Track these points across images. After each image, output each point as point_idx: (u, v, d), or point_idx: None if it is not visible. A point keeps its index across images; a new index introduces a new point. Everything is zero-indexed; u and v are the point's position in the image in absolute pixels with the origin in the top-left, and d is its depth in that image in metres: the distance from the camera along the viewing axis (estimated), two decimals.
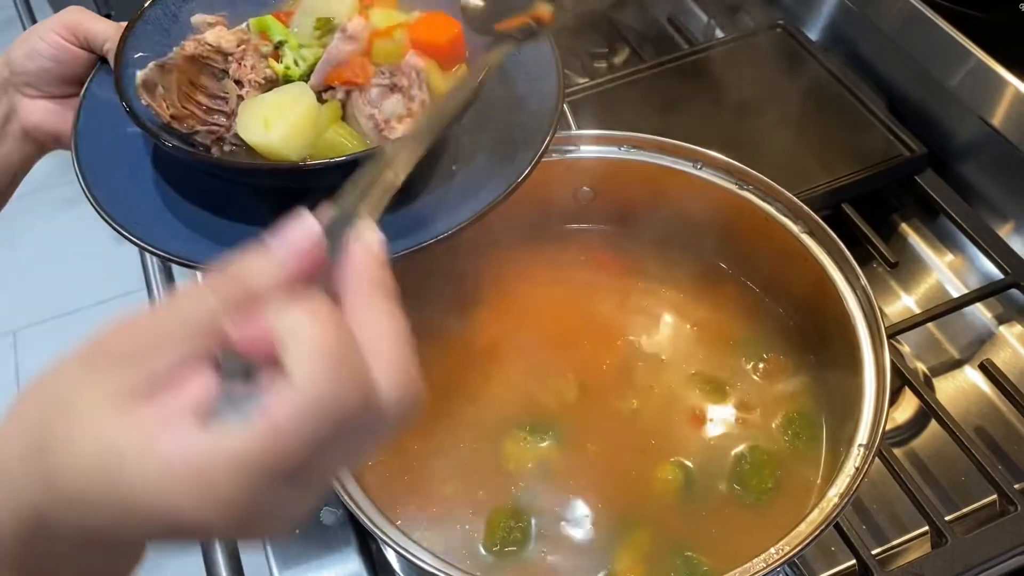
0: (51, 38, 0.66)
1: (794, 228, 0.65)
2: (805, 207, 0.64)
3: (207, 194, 0.64)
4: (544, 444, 0.63)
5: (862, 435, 0.54)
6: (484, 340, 0.71)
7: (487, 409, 0.66)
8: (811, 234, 0.64)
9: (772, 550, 0.50)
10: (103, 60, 0.68)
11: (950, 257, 0.93)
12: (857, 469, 0.52)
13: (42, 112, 0.68)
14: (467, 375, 0.67)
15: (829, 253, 0.64)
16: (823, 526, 0.50)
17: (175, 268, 1.12)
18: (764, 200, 0.67)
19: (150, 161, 0.66)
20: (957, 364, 0.87)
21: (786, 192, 0.65)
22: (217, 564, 0.83)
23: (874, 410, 0.55)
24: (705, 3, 1.18)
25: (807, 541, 0.49)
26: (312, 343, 0.31)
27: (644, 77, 1.03)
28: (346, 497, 0.52)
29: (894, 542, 0.74)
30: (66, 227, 2.51)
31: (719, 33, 1.15)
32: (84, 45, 0.67)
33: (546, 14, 0.55)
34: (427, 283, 0.71)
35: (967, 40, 0.92)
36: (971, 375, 0.86)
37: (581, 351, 0.69)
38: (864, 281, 0.61)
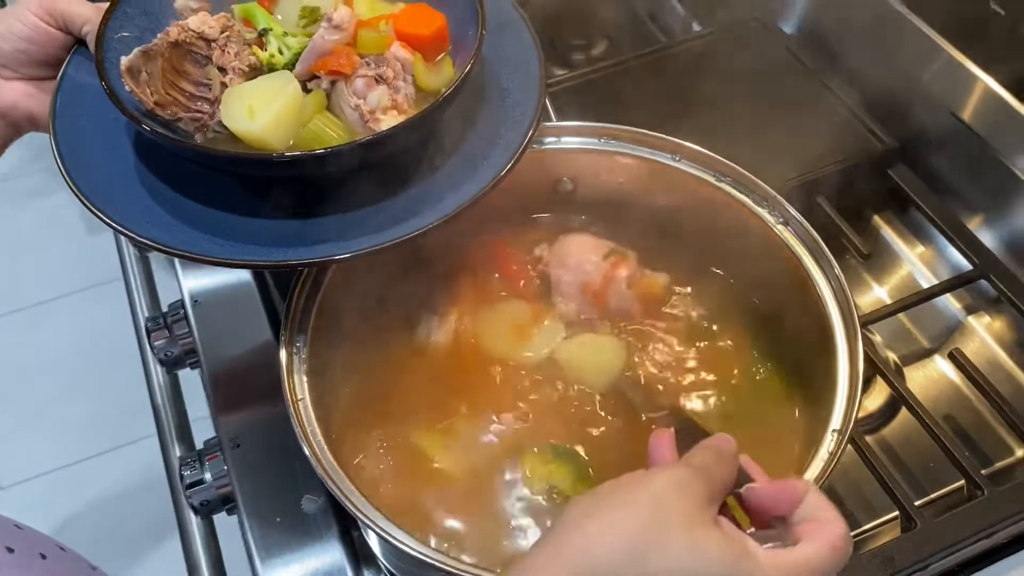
0: (29, 19, 0.65)
1: (770, 219, 0.66)
2: (781, 198, 0.65)
3: (187, 180, 0.63)
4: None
5: (836, 421, 0.56)
6: (463, 334, 0.71)
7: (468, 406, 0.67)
8: (786, 225, 0.66)
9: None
10: (80, 42, 0.67)
11: (921, 248, 0.95)
12: (831, 454, 0.54)
13: (17, 94, 0.67)
14: (449, 369, 0.68)
15: (804, 244, 0.65)
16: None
17: (152, 259, 1.12)
18: (741, 192, 0.68)
19: (130, 146, 0.65)
20: (927, 353, 0.89)
21: (762, 184, 0.66)
22: (196, 554, 0.84)
23: (847, 397, 0.56)
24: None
25: None
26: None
27: (621, 70, 1.04)
28: (329, 483, 0.52)
29: (865, 526, 0.76)
30: (33, 218, 2.48)
31: (696, 27, 1.16)
32: (62, 27, 0.66)
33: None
34: (407, 275, 0.71)
35: (938, 36, 0.94)
36: (940, 364, 0.88)
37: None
38: (838, 271, 0.62)
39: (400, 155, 0.63)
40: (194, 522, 0.85)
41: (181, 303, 0.88)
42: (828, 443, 0.54)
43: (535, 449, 0.62)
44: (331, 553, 0.72)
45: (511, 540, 0.59)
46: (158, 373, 0.97)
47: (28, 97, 0.67)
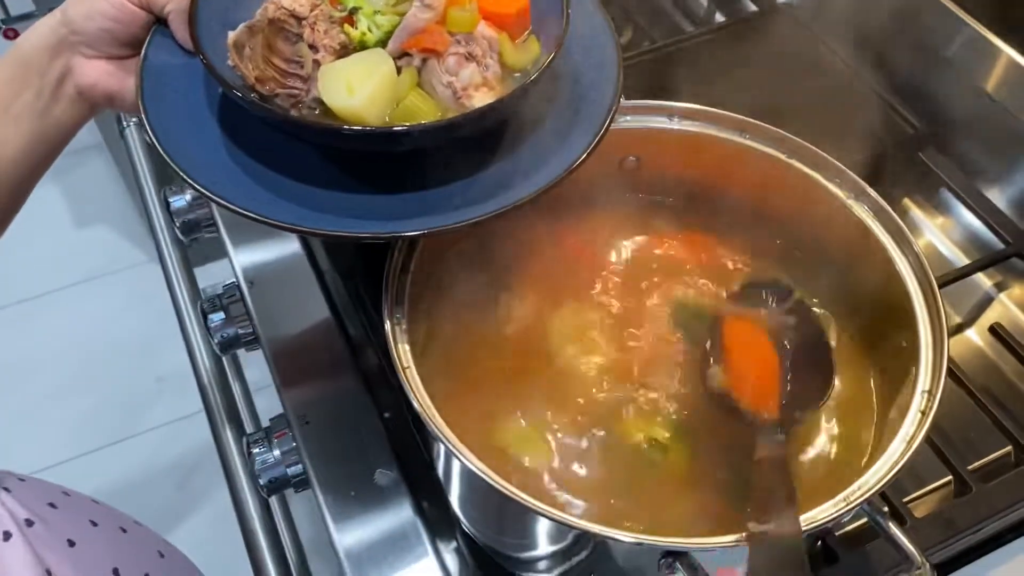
0: None
1: (840, 194, 0.69)
2: (852, 174, 0.68)
3: (278, 157, 0.64)
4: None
5: (923, 382, 0.58)
6: (531, 312, 0.73)
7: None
8: (857, 199, 0.68)
9: (854, 487, 0.53)
10: (160, 21, 0.68)
11: (951, 229, 0.98)
12: (922, 412, 0.56)
13: (98, 72, 0.68)
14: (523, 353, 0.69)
15: (876, 216, 0.67)
16: (903, 460, 0.53)
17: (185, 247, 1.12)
18: (810, 167, 0.70)
19: (217, 123, 0.66)
20: (959, 329, 0.93)
21: (833, 160, 0.69)
22: (256, 533, 0.84)
23: (933, 357, 0.59)
24: None
25: (889, 475, 0.53)
26: None
27: (649, 59, 1.06)
28: (451, 448, 0.53)
29: (914, 493, 0.79)
30: (24, 213, 2.44)
31: (719, 15, 1.18)
32: (144, 6, 0.66)
33: None
34: (485, 254, 0.72)
35: (960, 9, 0.97)
36: (974, 339, 0.91)
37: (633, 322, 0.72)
38: (911, 237, 0.65)
39: (490, 131, 0.65)
40: (251, 502, 0.85)
41: (236, 285, 0.89)
42: (919, 403, 0.57)
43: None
44: (407, 524, 0.74)
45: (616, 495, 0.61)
46: (204, 355, 0.97)
47: (109, 76, 0.68)
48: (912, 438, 0.56)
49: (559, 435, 0.64)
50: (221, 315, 0.88)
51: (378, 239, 0.60)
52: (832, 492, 0.56)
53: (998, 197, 0.96)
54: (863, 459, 0.63)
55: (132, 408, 2.08)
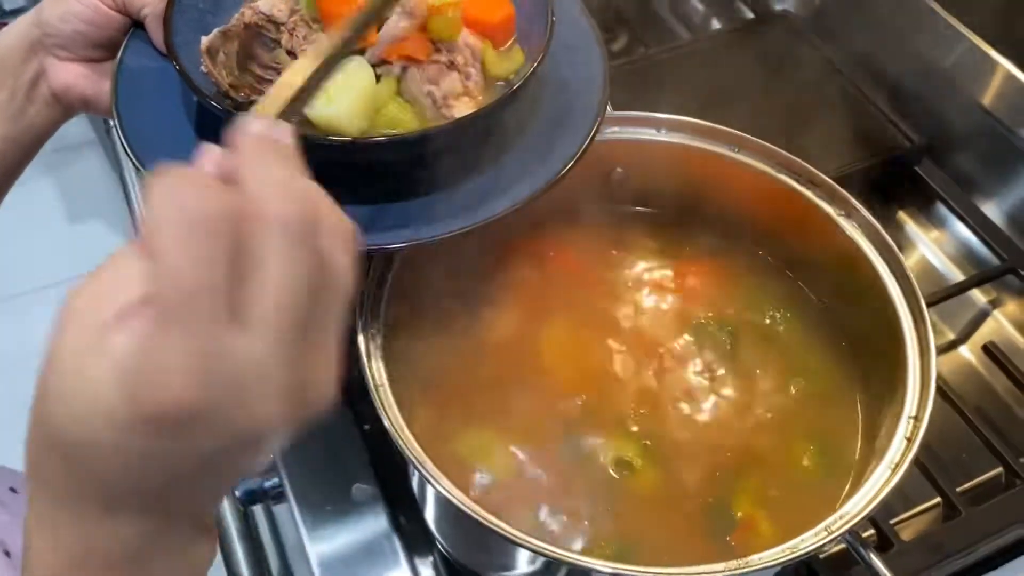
0: (89, 1, 0.64)
1: (831, 211, 0.67)
2: (842, 190, 0.67)
3: None
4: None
5: (910, 407, 0.57)
6: (514, 325, 0.72)
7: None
8: (848, 217, 0.67)
9: (836, 516, 0.52)
10: (137, 24, 0.66)
11: (946, 244, 0.97)
12: (908, 439, 0.55)
13: (73, 75, 0.66)
14: (506, 364, 0.68)
15: (866, 235, 0.66)
16: (887, 488, 0.52)
17: None
18: (801, 184, 0.69)
19: (192, 129, 0.64)
20: (953, 345, 0.91)
21: (824, 176, 0.67)
22: (233, 543, 0.83)
23: (920, 382, 0.58)
24: None
25: (873, 503, 0.51)
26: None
27: (644, 66, 1.05)
28: (422, 471, 0.52)
29: (903, 515, 0.77)
30: (14, 207, 2.43)
31: (716, 22, 1.17)
32: (121, 8, 0.65)
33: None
34: (467, 265, 0.71)
35: (957, 21, 0.95)
36: (966, 355, 0.90)
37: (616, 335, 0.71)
38: (901, 258, 0.63)
39: (471, 141, 0.63)
40: (229, 514, 0.84)
41: None
42: (905, 428, 0.55)
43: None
44: (383, 539, 0.72)
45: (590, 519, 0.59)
46: None
47: (83, 79, 0.66)
48: (897, 465, 0.54)
49: (535, 453, 0.63)
50: None
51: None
52: (815, 517, 0.54)
53: (995, 212, 0.95)
54: (847, 482, 0.62)
55: None
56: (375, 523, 0.73)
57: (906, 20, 1.00)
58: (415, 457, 0.52)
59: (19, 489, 0.72)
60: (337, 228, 0.35)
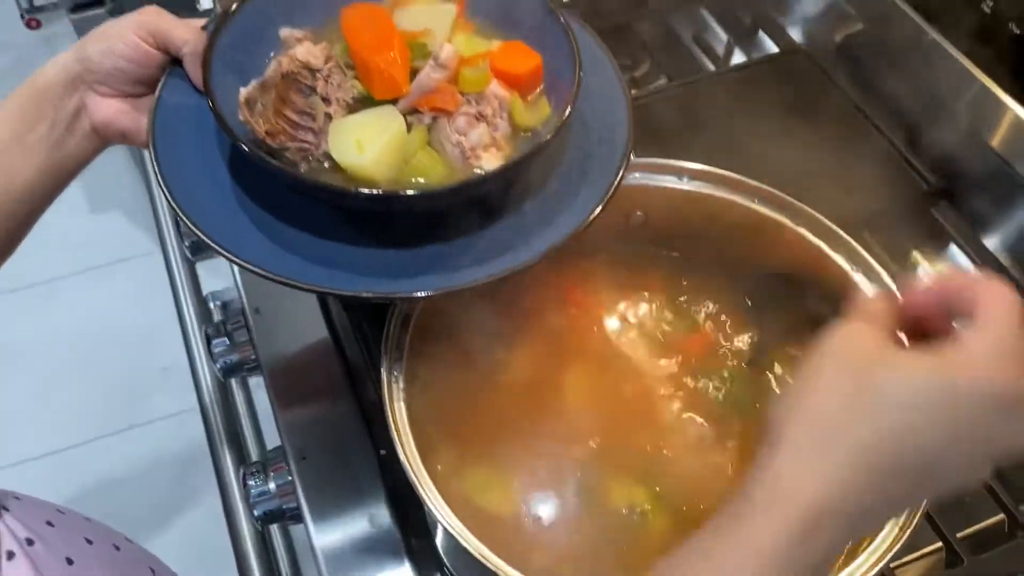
0: (129, 39, 0.66)
1: (847, 267, 0.68)
2: (859, 247, 0.68)
3: (283, 204, 0.65)
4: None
5: None
6: (533, 366, 0.73)
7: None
8: (865, 274, 0.68)
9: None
10: (175, 61, 0.68)
11: None
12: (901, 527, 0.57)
13: (112, 110, 0.68)
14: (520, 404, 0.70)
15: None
16: (891, 553, 0.54)
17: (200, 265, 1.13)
18: (817, 237, 0.70)
19: (225, 165, 0.66)
20: None
21: (841, 231, 0.69)
22: (248, 558, 0.85)
23: None
24: (726, 22, 1.20)
25: (881, 563, 0.53)
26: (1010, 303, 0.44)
27: (663, 98, 1.06)
28: (440, 518, 0.54)
29: (906, 558, 0.79)
30: None
31: (739, 53, 1.18)
32: (161, 47, 0.67)
33: None
34: (477, 304, 0.72)
35: (970, 62, 0.96)
36: None
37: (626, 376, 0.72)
38: None
39: (497, 191, 0.65)
40: (246, 530, 0.86)
41: (242, 310, 0.90)
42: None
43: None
44: (398, 564, 0.74)
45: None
46: (207, 378, 0.98)
47: (122, 114, 0.68)
48: (904, 526, 0.56)
49: (548, 495, 0.65)
50: (225, 341, 0.88)
51: (382, 299, 0.61)
52: None
53: (1008, 257, 0.96)
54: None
55: (136, 398, 2.10)
56: (388, 547, 0.75)
57: (921, 60, 1.01)
58: (435, 506, 0.54)
59: (55, 523, 0.74)
60: None
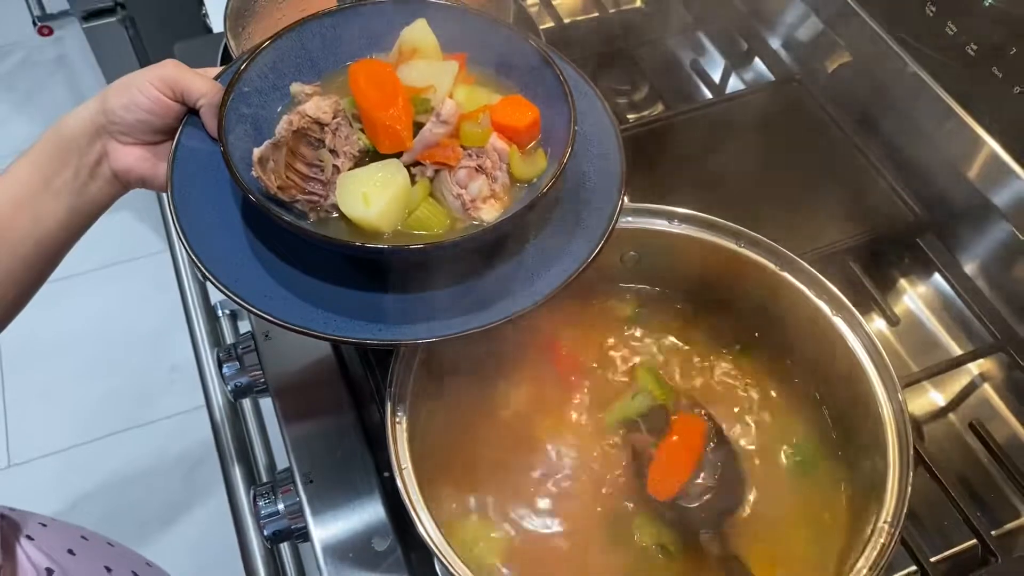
0: (150, 92, 0.69)
1: (827, 310, 0.72)
2: (839, 293, 0.71)
3: (295, 250, 0.68)
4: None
5: (887, 512, 0.62)
6: (532, 405, 0.77)
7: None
8: (844, 319, 0.71)
9: None
10: (192, 111, 0.72)
11: (943, 313, 1.01)
12: (883, 545, 0.60)
13: (133, 158, 0.72)
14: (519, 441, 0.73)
15: (863, 344, 0.71)
16: None
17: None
18: (800, 281, 0.74)
19: (238, 211, 0.70)
20: (943, 413, 0.96)
21: (826, 281, 0.72)
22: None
23: (898, 490, 0.63)
24: (723, 48, 1.23)
25: None
26: None
27: (660, 127, 1.09)
28: (442, 559, 0.58)
29: None
30: None
31: (735, 80, 1.21)
32: (179, 99, 0.70)
33: None
34: (477, 347, 0.76)
35: (951, 99, 1.00)
36: (956, 425, 0.95)
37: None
38: (897, 383, 0.68)
39: (496, 241, 0.69)
40: (256, 547, 0.90)
41: (251, 335, 0.93)
42: (879, 533, 0.61)
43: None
44: None
45: None
46: (219, 398, 1.02)
47: (143, 161, 0.72)
48: (874, 565, 0.60)
49: (553, 535, 0.68)
50: (236, 365, 0.92)
51: (384, 346, 0.64)
52: None
53: (991, 289, 0.99)
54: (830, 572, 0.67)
55: (145, 396, 2.14)
56: (392, 565, 0.79)
57: (905, 92, 1.04)
58: (439, 551, 0.58)
59: (77, 551, 0.78)
60: None
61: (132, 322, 2.26)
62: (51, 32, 1.97)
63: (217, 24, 1.26)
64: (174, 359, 2.18)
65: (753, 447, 0.73)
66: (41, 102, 2.56)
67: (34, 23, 1.92)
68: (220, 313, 1.23)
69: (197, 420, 2.05)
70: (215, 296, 1.22)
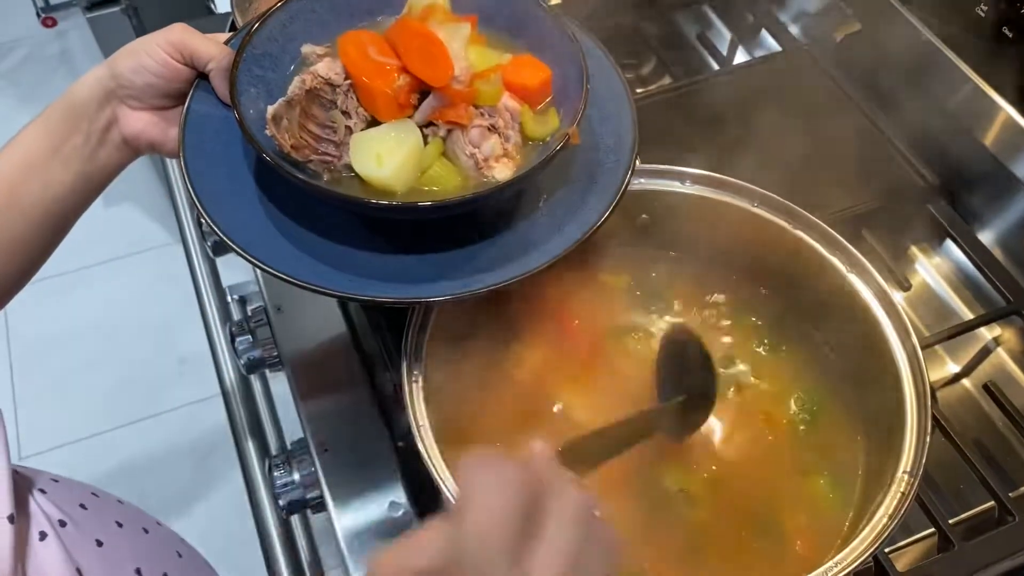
0: (159, 55, 0.69)
1: (842, 268, 0.72)
2: (854, 250, 0.71)
3: (306, 211, 0.68)
4: None
5: (905, 463, 0.62)
6: (544, 366, 0.77)
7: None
8: (859, 275, 0.71)
9: (832, 563, 0.57)
10: (202, 76, 0.71)
11: (955, 279, 1.01)
12: (902, 494, 0.60)
13: (143, 122, 0.72)
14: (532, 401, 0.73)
15: (879, 298, 0.70)
16: (879, 541, 0.57)
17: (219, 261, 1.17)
18: (813, 238, 0.73)
19: (250, 174, 0.70)
20: (957, 378, 0.96)
21: (836, 234, 0.72)
22: (275, 549, 0.89)
23: (916, 442, 0.63)
24: (730, 21, 1.23)
25: (871, 550, 0.57)
26: None
27: (668, 99, 1.09)
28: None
29: (900, 543, 0.82)
30: None
31: (742, 51, 1.21)
32: (188, 63, 0.70)
33: None
34: (491, 307, 0.76)
35: (964, 64, 0.99)
36: (970, 389, 0.94)
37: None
38: (915, 340, 0.68)
39: (509, 200, 0.69)
40: (271, 519, 0.90)
41: (264, 308, 0.93)
42: (899, 483, 0.61)
43: None
44: None
45: None
46: (230, 372, 1.02)
47: (152, 126, 0.72)
48: (893, 514, 0.59)
49: None
50: (248, 338, 0.92)
51: (399, 304, 0.64)
52: (815, 554, 0.60)
53: (1003, 253, 0.99)
54: (846, 522, 0.67)
55: (154, 388, 2.15)
56: (407, 532, 0.79)
57: (918, 61, 1.04)
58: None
59: (88, 506, 0.78)
60: (604, 533, 0.45)
61: (141, 314, 2.27)
62: (55, 23, 1.97)
63: (223, 8, 1.26)
64: (183, 351, 2.19)
65: (767, 398, 0.73)
66: (45, 97, 2.54)
67: (38, 14, 1.92)
68: (230, 298, 1.23)
69: (207, 411, 2.06)
70: (226, 280, 1.22)
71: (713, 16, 1.26)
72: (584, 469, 0.56)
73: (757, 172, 0.83)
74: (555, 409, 0.73)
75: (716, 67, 1.17)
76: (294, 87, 0.65)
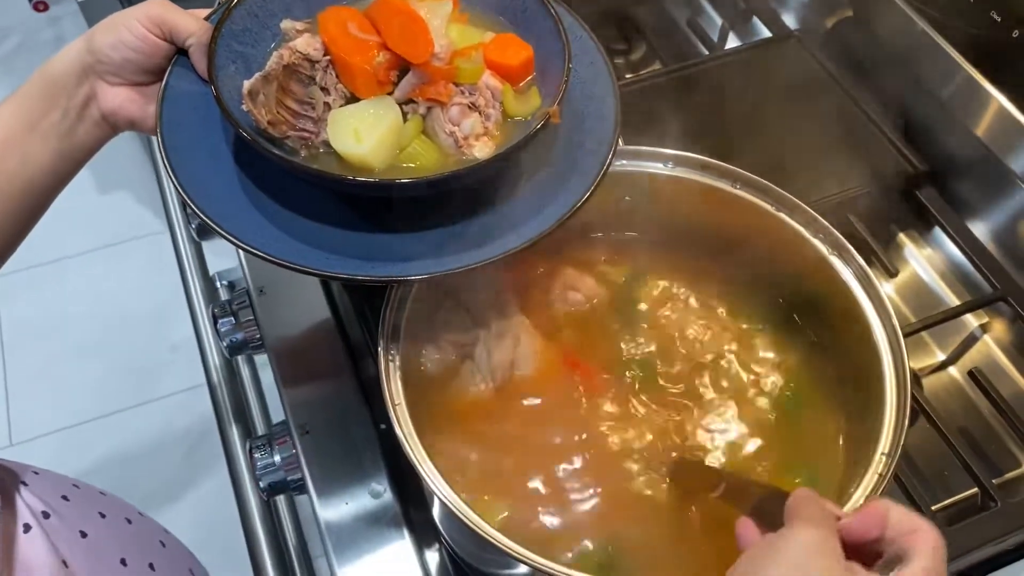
0: (137, 30, 0.68)
1: (823, 249, 0.71)
2: (836, 232, 0.71)
3: (284, 189, 0.68)
4: None
5: (883, 444, 0.62)
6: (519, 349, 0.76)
7: None
8: (840, 256, 0.71)
9: None
10: (181, 51, 0.71)
11: (943, 266, 1.01)
12: (880, 475, 0.60)
13: (121, 99, 0.71)
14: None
15: (855, 274, 0.70)
16: None
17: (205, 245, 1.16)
18: (796, 221, 0.73)
19: (229, 152, 0.69)
20: (943, 365, 0.96)
21: (819, 217, 0.71)
22: (256, 532, 0.89)
23: (895, 422, 0.62)
24: (721, 7, 1.22)
25: None
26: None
27: (658, 84, 1.08)
28: (434, 489, 0.57)
29: None
30: None
31: (733, 38, 1.20)
32: (167, 38, 0.69)
33: None
34: (469, 286, 0.75)
35: (958, 54, 0.99)
36: (955, 376, 0.94)
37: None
38: (895, 321, 0.67)
39: (488, 179, 0.68)
40: (253, 501, 0.90)
41: (247, 291, 0.93)
42: (877, 464, 0.60)
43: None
44: (397, 535, 0.78)
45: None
46: (215, 356, 1.01)
47: (131, 102, 0.71)
48: (870, 496, 0.59)
49: (540, 474, 0.68)
50: (231, 320, 0.92)
51: (378, 282, 0.64)
52: None
53: (990, 240, 0.98)
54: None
55: (145, 375, 2.14)
56: (388, 517, 0.79)
57: (909, 48, 1.03)
58: (432, 482, 0.58)
59: (70, 497, 0.77)
60: None
61: (131, 302, 2.26)
62: (47, 8, 1.97)
63: None
64: (174, 339, 2.18)
65: (747, 383, 0.73)
66: None
67: (30, 0, 1.91)
68: (219, 284, 1.23)
69: (197, 399, 2.05)
70: (213, 267, 1.22)
71: (704, 2, 1.26)
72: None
73: (746, 157, 0.83)
74: (531, 390, 0.72)
75: (707, 53, 1.17)
76: (272, 62, 0.64)
